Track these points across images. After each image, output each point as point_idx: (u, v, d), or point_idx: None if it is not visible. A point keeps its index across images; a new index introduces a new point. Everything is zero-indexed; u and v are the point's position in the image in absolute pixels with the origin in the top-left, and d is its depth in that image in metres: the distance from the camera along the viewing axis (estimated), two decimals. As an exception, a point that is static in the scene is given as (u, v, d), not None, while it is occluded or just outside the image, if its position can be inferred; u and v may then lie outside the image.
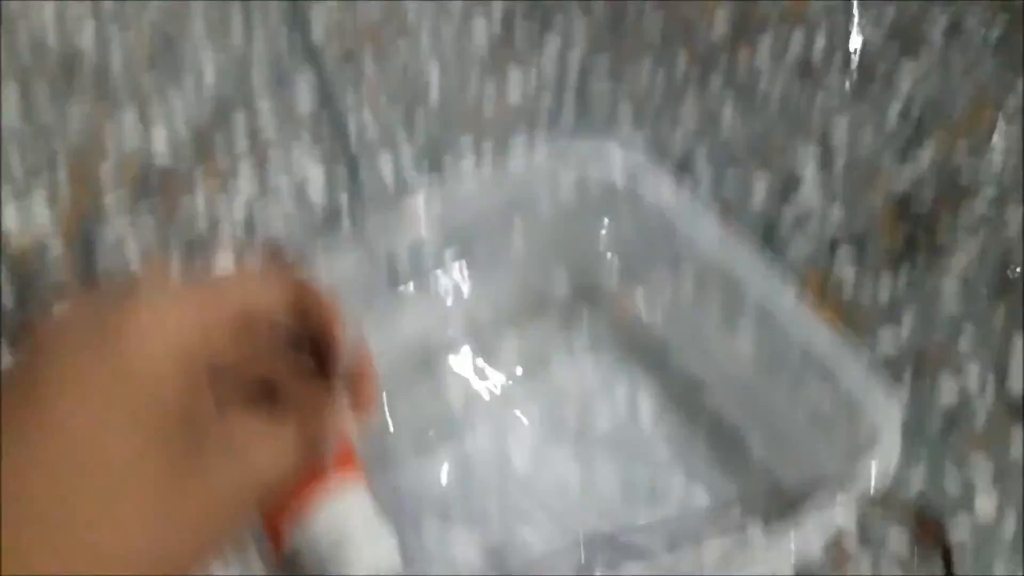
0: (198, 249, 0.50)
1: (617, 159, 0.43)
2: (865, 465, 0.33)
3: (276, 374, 0.29)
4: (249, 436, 0.26)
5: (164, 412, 0.23)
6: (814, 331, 0.37)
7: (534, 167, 0.43)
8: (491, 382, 0.43)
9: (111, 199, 0.53)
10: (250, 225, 0.51)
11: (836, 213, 0.51)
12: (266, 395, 0.30)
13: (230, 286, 0.27)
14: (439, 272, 0.44)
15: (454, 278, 0.45)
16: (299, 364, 0.29)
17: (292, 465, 0.27)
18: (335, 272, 0.39)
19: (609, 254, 0.45)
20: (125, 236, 0.51)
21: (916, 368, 0.45)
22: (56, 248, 0.51)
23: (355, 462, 0.34)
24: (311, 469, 0.30)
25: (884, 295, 0.47)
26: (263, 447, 0.26)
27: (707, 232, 0.40)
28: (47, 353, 0.24)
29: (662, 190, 0.42)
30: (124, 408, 0.23)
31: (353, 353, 0.30)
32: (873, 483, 0.33)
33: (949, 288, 0.48)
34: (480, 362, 0.44)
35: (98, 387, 0.23)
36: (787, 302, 0.38)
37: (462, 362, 0.43)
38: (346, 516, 0.33)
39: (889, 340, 0.46)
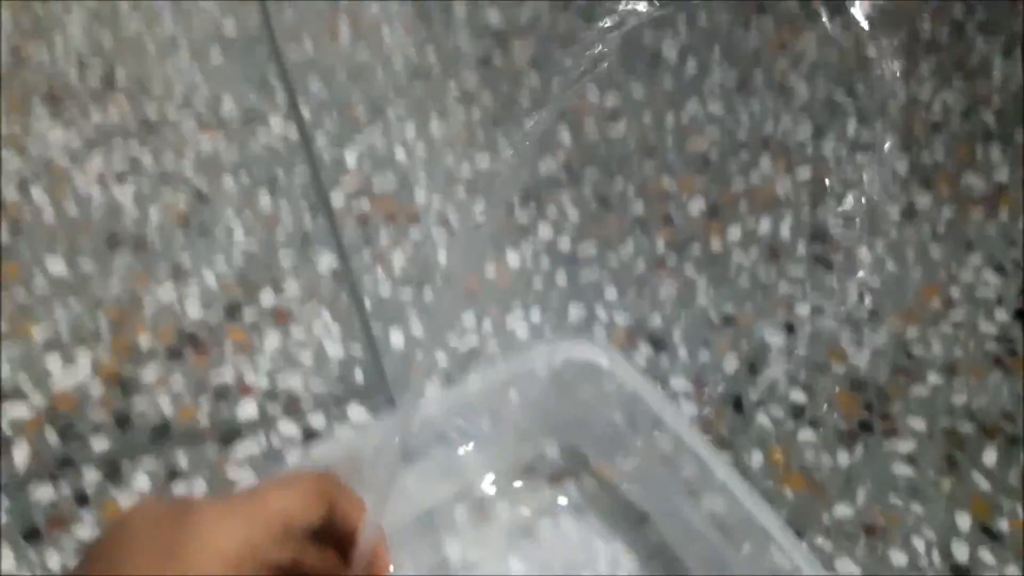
0: (224, 400, 0.56)
1: (598, 349, 0.49)
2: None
3: (308, 567, 0.35)
4: None
5: None
6: (764, 512, 0.42)
7: (529, 356, 0.50)
8: (484, 540, 0.48)
9: (146, 350, 0.59)
10: (272, 384, 0.57)
11: (798, 388, 0.57)
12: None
13: (270, 497, 0.32)
14: (444, 444, 0.50)
15: (456, 449, 0.50)
16: (326, 557, 0.35)
17: None
18: (357, 450, 0.45)
19: (592, 429, 0.51)
20: (158, 383, 0.57)
21: (868, 538, 0.49)
22: (96, 391, 0.57)
23: None
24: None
25: (841, 469, 0.53)
26: None
27: (674, 413, 0.46)
28: (122, 548, 0.29)
29: (636, 377, 0.48)
30: None
31: (372, 539, 0.36)
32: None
33: (899, 465, 0.53)
34: (475, 521, 0.49)
35: None
36: (737, 479, 0.43)
37: (460, 522, 0.48)
38: None
39: (843, 510, 0.51)
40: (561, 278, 0.64)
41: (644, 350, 0.60)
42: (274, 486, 0.33)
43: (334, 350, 0.60)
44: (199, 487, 0.52)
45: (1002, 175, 0.73)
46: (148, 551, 0.29)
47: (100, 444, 0.55)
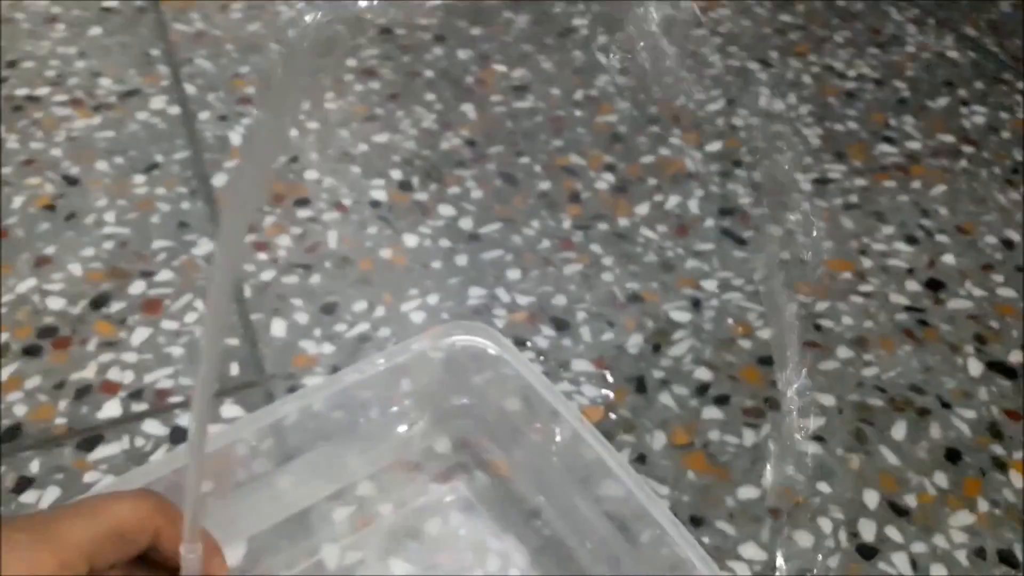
0: (86, 399, 0.51)
1: (486, 334, 0.46)
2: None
3: None
4: None
5: None
6: (658, 509, 0.39)
7: (413, 341, 0.46)
8: (365, 542, 0.44)
9: (1, 346, 0.54)
10: (139, 380, 0.52)
11: (704, 366, 0.54)
12: None
13: (74, 525, 0.28)
14: (324, 439, 0.46)
15: (336, 444, 0.46)
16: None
17: None
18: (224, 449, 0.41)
19: (483, 421, 0.47)
20: (12, 383, 0.52)
21: (773, 521, 0.47)
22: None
23: None
24: None
25: (746, 449, 0.50)
26: None
27: (566, 403, 0.43)
28: None
29: (525, 365, 0.45)
30: None
31: (207, 564, 0.32)
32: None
33: (807, 443, 0.50)
34: (357, 521, 0.45)
35: None
36: (624, 469, 0.40)
37: (338, 523, 0.44)
38: None
39: (747, 492, 0.48)
40: (462, 259, 0.61)
41: (546, 332, 0.56)
42: (82, 509, 0.29)
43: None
44: (52, 495, 0.47)
45: (915, 144, 0.71)
46: None
47: (-60, 453, 0.49)
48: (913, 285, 0.60)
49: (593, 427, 0.41)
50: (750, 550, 0.45)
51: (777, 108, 0.74)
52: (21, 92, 0.73)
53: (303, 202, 0.64)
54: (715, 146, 0.70)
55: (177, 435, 0.50)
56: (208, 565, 0.31)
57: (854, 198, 0.66)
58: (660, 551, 0.40)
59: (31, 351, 0.54)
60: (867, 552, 0.46)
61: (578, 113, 0.73)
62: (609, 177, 0.67)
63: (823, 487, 0.48)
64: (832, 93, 0.76)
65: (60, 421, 0.51)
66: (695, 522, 0.47)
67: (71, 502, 0.30)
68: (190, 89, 0.74)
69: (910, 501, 0.47)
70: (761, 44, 0.81)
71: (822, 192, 0.67)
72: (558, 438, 0.44)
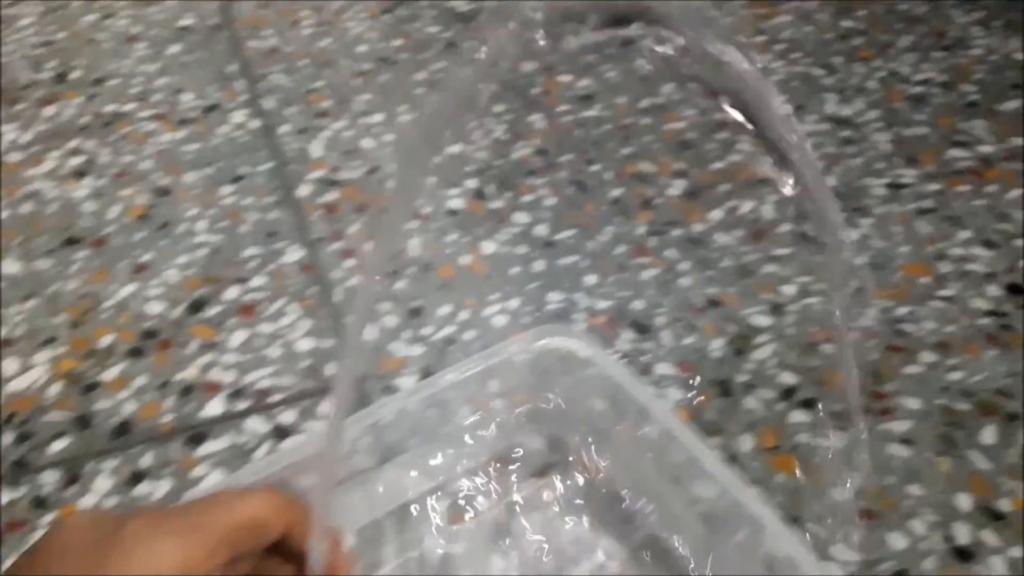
0: (190, 398, 0.53)
1: (576, 337, 0.47)
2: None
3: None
4: None
5: None
6: (750, 497, 0.40)
7: (505, 346, 0.47)
8: (464, 537, 0.45)
9: (107, 349, 0.56)
10: (240, 380, 0.54)
11: (788, 370, 0.55)
12: None
13: (216, 515, 0.29)
14: (420, 438, 0.47)
15: (433, 443, 0.48)
16: (282, 565, 0.32)
17: None
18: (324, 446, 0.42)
19: (574, 420, 0.49)
20: (120, 382, 0.54)
21: (866, 522, 0.47)
22: (54, 392, 0.54)
23: None
24: None
25: (836, 449, 0.51)
26: None
27: (657, 401, 0.44)
28: (46, 568, 0.27)
29: (615, 365, 0.46)
30: None
31: (325, 547, 0.33)
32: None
33: (895, 446, 0.51)
34: (455, 516, 0.46)
35: None
36: (717, 463, 0.41)
37: (439, 517, 0.46)
38: None
39: (839, 493, 0.48)
40: (539, 265, 0.62)
41: (627, 336, 0.57)
42: (224, 501, 0.31)
43: (303, 344, 0.57)
44: (164, 488, 0.50)
45: (987, 148, 0.71)
46: (71, 571, 0.26)
47: (58, 446, 0.52)
48: (994, 290, 0.60)
49: (685, 426, 0.42)
50: (842, 551, 0.46)
51: (845, 114, 0.74)
52: (109, 108, 0.76)
53: (385, 210, 0.66)
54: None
55: (279, 432, 0.52)
56: (333, 558, 0.33)
57: (929, 203, 0.67)
58: (757, 550, 0.41)
59: (136, 352, 0.57)
60: (963, 555, 0.46)
61: (645, 121, 0.74)
62: (680, 183, 0.68)
63: (914, 490, 0.49)
64: (899, 98, 0.76)
65: (167, 418, 0.53)
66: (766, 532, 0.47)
67: (210, 495, 0.31)
68: (268, 104, 0.76)
69: (1004, 505, 0.48)
70: (824, 50, 0.82)
71: (896, 197, 0.67)
72: (650, 435, 0.45)
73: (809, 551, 0.38)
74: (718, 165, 0.69)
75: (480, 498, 0.47)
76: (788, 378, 0.54)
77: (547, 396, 0.50)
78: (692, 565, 0.44)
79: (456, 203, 0.67)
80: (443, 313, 0.59)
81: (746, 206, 0.66)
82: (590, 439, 0.48)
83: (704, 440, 0.43)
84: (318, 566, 0.33)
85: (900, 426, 0.52)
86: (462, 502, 0.47)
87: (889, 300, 0.59)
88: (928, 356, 0.56)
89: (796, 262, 0.62)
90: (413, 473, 0.48)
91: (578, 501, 0.47)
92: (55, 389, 0.55)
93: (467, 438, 0.49)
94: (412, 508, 0.47)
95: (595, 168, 0.69)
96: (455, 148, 0.71)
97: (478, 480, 0.48)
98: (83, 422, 0.53)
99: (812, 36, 0.84)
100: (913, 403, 0.53)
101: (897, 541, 0.47)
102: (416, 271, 0.62)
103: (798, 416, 0.52)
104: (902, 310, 0.59)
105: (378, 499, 0.47)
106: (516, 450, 0.49)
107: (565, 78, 0.78)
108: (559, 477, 0.48)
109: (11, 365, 0.56)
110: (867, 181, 0.68)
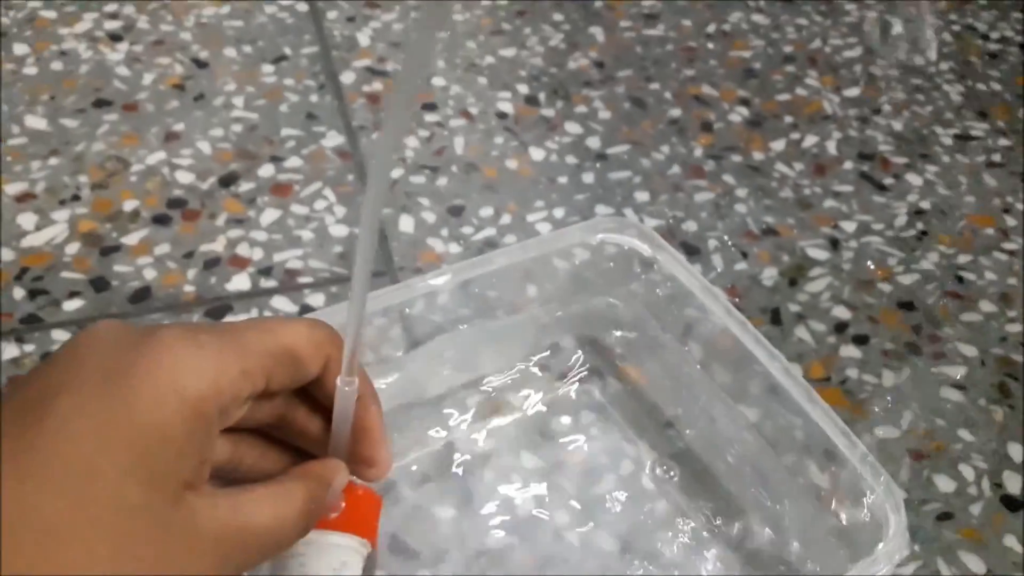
0: (214, 271, 0.51)
1: (635, 232, 0.44)
2: (875, 554, 0.33)
3: (296, 430, 0.30)
4: (249, 500, 0.26)
5: (162, 461, 0.24)
6: (821, 413, 0.38)
7: (555, 234, 0.45)
8: (496, 432, 0.43)
9: (130, 213, 0.53)
10: (268, 258, 0.52)
11: (842, 304, 0.52)
12: (274, 444, 0.31)
13: (255, 337, 0.27)
14: (456, 331, 0.45)
15: (468, 337, 0.45)
16: (309, 422, 0.30)
17: (293, 527, 0.28)
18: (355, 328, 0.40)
19: (621, 323, 0.46)
20: (141, 247, 0.51)
21: (913, 462, 0.45)
22: (71, 250, 0.52)
23: (370, 530, 0.34)
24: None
25: (885, 389, 0.48)
26: (261, 507, 0.27)
27: (717, 307, 0.41)
28: (63, 373, 0.24)
29: (677, 264, 0.43)
30: (123, 452, 0.23)
31: (364, 412, 0.31)
32: (883, 571, 0.33)
33: (948, 390, 0.48)
34: (487, 410, 0.44)
35: (102, 424, 0.23)
36: (793, 382, 0.39)
37: (470, 411, 0.44)
38: (332, 558, 0.32)
39: (887, 432, 0.46)
40: (588, 177, 0.59)
41: (679, 256, 0.54)
42: (262, 324, 0.28)
43: (337, 230, 0.54)
44: (180, 359, 0.47)
45: (1061, 111, 0.68)
46: (88, 383, 0.23)
47: (73, 305, 0.49)
48: (1061, 248, 0.57)
49: (761, 344, 0.40)
50: (895, 491, 0.44)
51: (918, 62, 0.71)
52: (150, -24, 0.73)
53: (430, 107, 0.63)
54: (853, 91, 0.67)
55: (306, 313, 0.49)
56: (362, 406, 0.30)
57: (997, 157, 0.63)
58: (802, 475, 0.39)
59: (160, 220, 0.54)
60: (1012, 504, 0.44)
61: (711, 46, 0.70)
62: (743, 111, 0.65)
63: (965, 435, 0.47)
64: (974, 53, 0.73)
65: (189, 289, 0.51)
66: (829, 457, 0.45)
67: (251, 319, 0.29)
68: (317, -12, 0.73)
69: (1060, 457, 0.46)
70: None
71: (963, 148, 0.64)
72: (706, 346, 0.43)
73: (883, 487, 0.35)
74: (783, 97, 0.66)
75: (514, 395, 0.45)
76: (841, 312, 0.52)
77: (601, 295, 0.47)
78: (734, 480, 0.41)
79: (506, 106, 0.64)
80: (485, 215, 0.56)
81: (809, 140, 0.63)
82: (638, 346, 0.46)
83: (782, 362, 0.40)
84: (345, 418, 0.30)
85: (954, 371, 0.49)
86: (494, 397, 0.45)
87: (951, 248, 0.56)
88: (987, 306, 0.53)
89: (857, 200, 0.59)
90: (444, 365, 0.45)
91: (615, 407, 0.44)
92: (73, 248, 0.53)
93: (506, 334, 0.47)
94: (441, 400, 0.44)
95: (654, 86, 0.66)
96: (509, 51, 0.68)
97: (514, 377, 0.46)
98: (100, 284, 0.51)
99: (887, -18, 0.80)
100: (969, 350, 0.51)
101: (945, 484, 0.44)
102: (459, 170, 0.59)
103: (849, 351, 0.50)
104: (964, 258, 0.56)
105: (406, 388, 0.44)
106: (553, 351, 0.47)
107: (628, -5, 0.74)
108: (599, 382, 0.46)
109: (29, 220, 0.54)
110: (935, 129, 0.65)
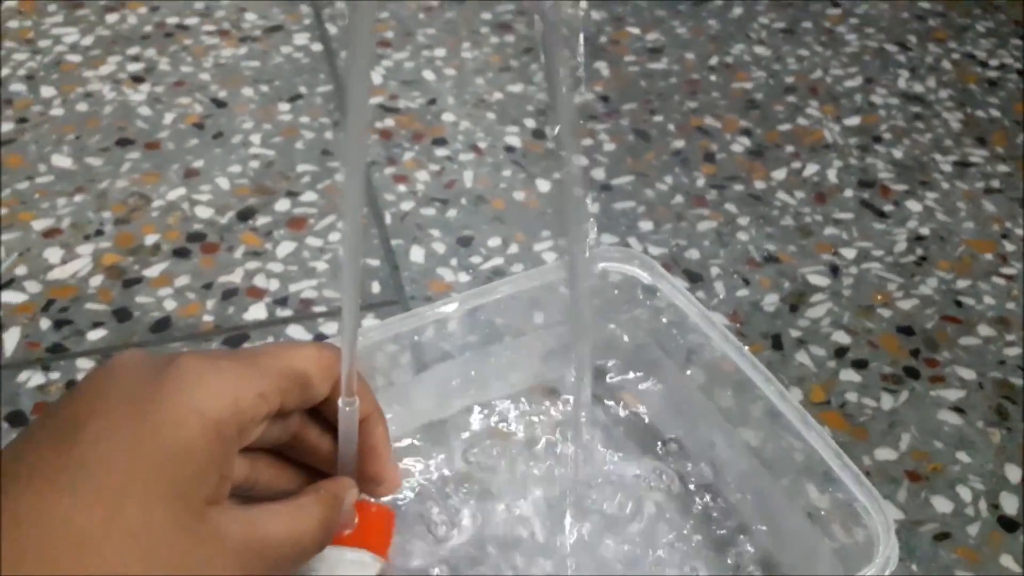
0: (232, 301, 0.53)
1: (637, 262, 0.46)
2: (866, 569, 0.34)
3: (307, 450, 0.31)
4: (268, 515, 0.28)
5: (186, 478, 0.25)
6: (816, 436, 0.39)
7: (560, 263, 0.46)
8: (498, 454, 0.44)
9: (151, 247, 0.56)
10: (284, 289, 0.54)
11: (841, 330, 0.53)
12: (289, 464, 0.32)
13: (270, 360, 0.29)
14: (463, 356, 0.46)
15: (475, 363, 0.47)
16: (320, 441, 0.32)
17: (310, 540, 0.29)
18: (365, 354, 0.41)
19: (623, 349, 0.47)
20: (162, 279, 0.54)
21: (911, 483, 0.46)
22: (95, 283, 0.54)
23: (382, 546, 0.35)
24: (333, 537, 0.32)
25: (883, 412, 0.49)
26: (279, 522, 0.28)
27: (716, 333, 0.42)
28: (92, 399, 0.26)
29: (677, 292, 0.44)
30: (149, 470, 0.25)
31: (371, 431, 0.32)
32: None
33: (946, 413, 0.49)
34: (488, 436, 0.45)
35: (129, 445, 0.25)
36: (791, 406, 0.40)
37: (472, 435, 0.45)
38: (345, 573, 0.34)
39: (885, 454, 0.47)
40: (594, 207, 0.61)
41: (679, 284, 0.56)
42: (274, 349, 0.30)
43: (350, 261, 0.56)
44: (199, 387, 0.49)
45: (1060, 137, 0.69)
46: (115, 408, 0.25)
47: (97, 335, 0.51)
48: (1059, 272, 0.58)
49: (758, 369, 0.41)
50: (887, 510, 0.45)
51: (917, 90, 0.73)
52: (172, 20, 0.76)
53: (440, 142, 0.65)
54: (853, 120, 0.69)
55: (320, 341, 0.51)
56: (368, 426, 0.32)
57: (996, 183, 0.65)
58: (800, 498, 0.40)
59: (181, 253, 0.56)
60: (1009, 525, 0.45)
61: (713, 78, 0.72)
62: (745, 141, 0.66)
63: (963, 457, 0.47)
64: (973, 80, 0.74)
65: (208, 318, 0.53)
66: (824, 479, 0.46)
67: (264, 344, 0.31)
68: (331, 29, 0.75)
69: (1057, 478, 0.46)
70: (899, 27, 0.80)
71: (962, 175, 0.65)
72: (707, 371, 0.44)
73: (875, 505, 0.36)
74: (785, 127, 0.68)
75: (518, 422, 0.46)
76: (841, 337, 0.53)
77: (603, 322, 0.48)
78: (738, 501, 0.42)
79: (514, 140, 0.66)
80: (493, 244, 0.58)
81: (810, 168, 0.64)
82: (639, 372, 0.47)
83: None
84: (351, 437, 0.32)
85: (952, 394, 0.50)
86: (497, 424, 0.46)
87: (949, 272, 0.58)
88: (986, 330, 0.54)
89: (858, 226, 0.60)
90: (451, 390, 0.47)
91: (618, 431, 0.46)
92: (97, 281, 0.55)
93: (512, 361, 0.48)
94: (447, 423, 0.46)
95: (658, 119, 0.68)
96: (516, 87, 0.70)
97: (519, 403, 0.47)
98: (123, 315, 0.53)
99: (888, 13, 0.81)
100: (967, 373, 0.51)
101: (942, 505, 0.45)
102: (468, 202, 0.61)
103: (849, 375, 0.51)
104: (962, 283, 0.57)
105: (414, 411, 0.46)
106: (557, 378, 0.48)
107: (634, 30, 0.77)
108: (600, 408, 0.47)
109: (55, 254, 0.56)
110: (935, 156, 0.66)
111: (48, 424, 0.26)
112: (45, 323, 0.52)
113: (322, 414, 0.32)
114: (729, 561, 0.40)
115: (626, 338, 0.47)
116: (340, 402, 0.31)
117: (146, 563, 0.24)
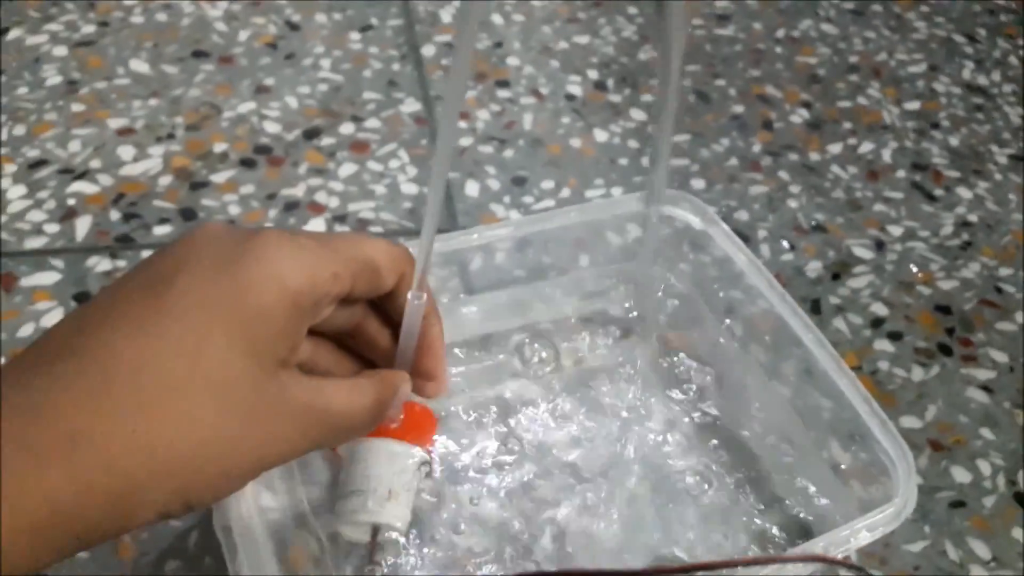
0: (293, 212, 0.55)
1: (689, 206, 0.47)
2: (880, 512, 0.35)
3: (366, 339, 0.33)
4: (330, 385, 0.30)
5: (263, 339, 0.27)
6: (852, 392, 0.40)
7: (610, 201, 0.48)
8: (538, 378, 0.46)
9: (220, 154, 0.58)
10: (343, 207, 0.56)
11: (880, 302, 0.54)
12: (347, 354, 0.34)
13: (344, 244, 0.30)
14: (509, 285, 0.48)
15: (522, 291, 0.49)
16: (379, 334, 0.33)
17: (363, 416, 0.31)
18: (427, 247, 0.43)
19: (669, 292, 0.49)
20: (228, 186, 0.56)
21: (932, 452, 0.47)
22: (164, 182, 0.56)
23: (426, 439, 0.37)
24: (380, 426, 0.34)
25: (913, 383, 0.50)
26: (339, 394, 0.30)
27: (765, 286, 0.44)
28: (182, 257, 0.28)
29: (730, 240, 0.46)
30: (231, 326, 0.27)
31: (429, 329, 0.34)
32: (883, 530, 0.35)
33: (974, 391, 0.50)
34: (533, 361, 0.47)
35: (214, 302, 0.27)
36: (830, 362, 0.41)
37: (518, 358, 0.47)
38: (391, 464, 0.36)
39: (910, 422, 0.48)
40: (646, 162, 0.62)
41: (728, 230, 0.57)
42: (349, 236, 0.31)
43: (408, 188, 0.58)
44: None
45: (1121, 142, 0.69)
46: (203, 267, 0.27)
47: (162, 230, 0.54)
48: (1103, 270, 0.58)
49: (801, 309, 0.42)
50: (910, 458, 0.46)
51: (980, 82, 0.73)
52: (252, -59, 0.77)
53: (503, 83, 0.67)
54: (913, 105, 0.69)
55: (373, 259, 0.53)
56: (427, 323, 0.34)
57: (1050, 180, 0.65)
58: (823, 454, 0.41)
59: (247, 163, 0.58)
60: (1024, 500, 0.46)
61: (778, 50, 0.73)
62: (804, 113, 0.67)
63: (986, 433, 0.49)
64: (1039, 79, 0.74)
65: (269, 226, 0.55)
66: (857, 436, 0.47)
67: (340, 231, 0.32)
68: (406, -35, 0.77)
69: (1078, 462, 0.47)
70: (969, 20, 0.79)
71: (1017, 168, 0.65)
72: (750, 314, 0.45)
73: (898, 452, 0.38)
74: (845, 104, 0.68)
75: (559, 346, 0.48)
76: (879, 309, 0.54)
77: (650, 263, 0.49)
78: (764, 449, 0.44)
79: (575, 89, 0.67)
80: (546, 187, 0.59)
81: (866, 147, 0.65)
82: (680, 315, 0.49)
83: (824, 347, 0.42)
84: (413, 331, 0.33)
85: (983, 374, 0.51)
86: (539, 347, 0.48)
87: (993, 259, 0.58)
88: (1023, 318, 0.55)
89: (906, 206, 0.61)
90: (494, 313, 0.48)
91: (655, 372, 0.47)
92: (165, 180, 0.57)
93: (558, 293, 0.50)
94: (489, 341, 0.47)
95: (720, 83, 0.69)
96: (582, 38, 0.71)
97: (559, 332, 0.48)
98: (188, 214, 0.55)
99: (960, 5, 0.81)
100: (1000, 356, 0.52)
101: (961, 475, 0.47)
102: (525, 144, 0.62)
103: (882, 344, 0.52)
104: (1005, 271, 0.58)
105: (460, 327, 0.48)
106: (599, 312, 0.50)
107: (702, -5, 0.77)
108: (640, 348, 0.48)
109: (127, 152, 0.58)
110: (991, 147, 0.67)
111: (139, 276, 0.28)
112: (115, 215, 0.54)
113: (384, 309, 0.34)
114: (751, 505, 0.42)
115: (674, 282, 0.49)
116: (409, 295, 0.32)
117: (219, 410, 0.26)
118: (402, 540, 0.38)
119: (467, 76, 0.29)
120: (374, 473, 0.35)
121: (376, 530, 0.35)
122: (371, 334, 0.34)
